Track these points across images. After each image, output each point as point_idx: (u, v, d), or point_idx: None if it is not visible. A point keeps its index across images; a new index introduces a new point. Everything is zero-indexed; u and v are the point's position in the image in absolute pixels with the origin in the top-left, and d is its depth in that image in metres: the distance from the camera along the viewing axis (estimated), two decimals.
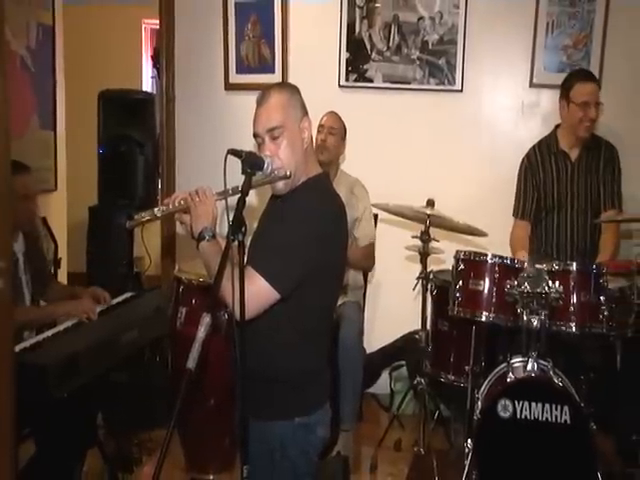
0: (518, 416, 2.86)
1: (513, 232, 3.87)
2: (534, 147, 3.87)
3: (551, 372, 2.98)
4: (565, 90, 3.71)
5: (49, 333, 2.91)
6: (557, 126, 3.84)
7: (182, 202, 2.19)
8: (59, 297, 3.31)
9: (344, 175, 4.02)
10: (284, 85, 2.66)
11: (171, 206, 2.22)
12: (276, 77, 4.52)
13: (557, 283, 2.98)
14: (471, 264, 3.25)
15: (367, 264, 4.02)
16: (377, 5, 4.46)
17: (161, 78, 4.89)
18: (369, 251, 3.94)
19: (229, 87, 4.72)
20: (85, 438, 3.16)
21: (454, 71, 4.40)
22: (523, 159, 3.87)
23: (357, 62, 4.53)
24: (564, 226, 3.78)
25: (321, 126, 3.91)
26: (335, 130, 3.92)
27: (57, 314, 3.16)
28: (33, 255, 3.32)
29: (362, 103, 4.51)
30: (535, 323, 2.98)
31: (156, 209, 2.25)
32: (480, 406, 3.05)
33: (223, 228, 2.01)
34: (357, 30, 4.50)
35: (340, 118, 3.99)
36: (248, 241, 2.15)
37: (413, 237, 3.62)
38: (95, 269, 4.75)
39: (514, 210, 3.88)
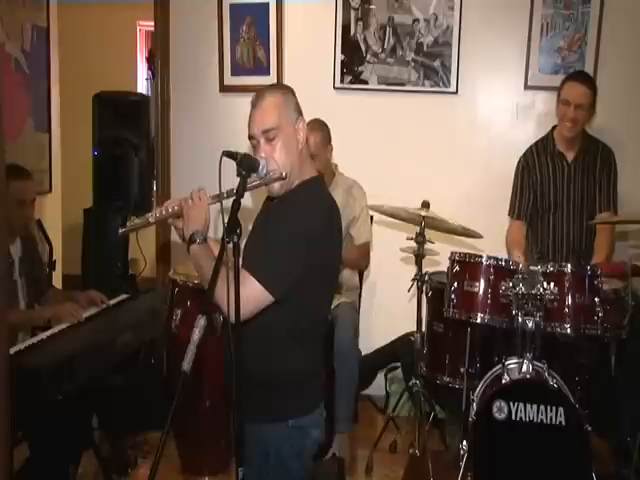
0: (513, 417, 2.87)
1: (509, 232, 3.88)
2: (531, 147, 3.88)
3: (546, 373, 2.98)
4: (558, 89, 3.75)
5: (44, 335, 2.90)
6: (554, 127, 3.85)
7: (175, 207, 2.19)
8: (56, 302, 3.29)
9: (342, 177, 4.00)
10: (279, 86, 2.66)
11: (164, 212, 2.22)
12: (271, 79, 4.50)
13: (552, 284, 2.99)
14: (466, 266, 3.25)
15: (362, 263, 4.03)
16: (372, 7, 4.46)
17: (156, 80, 4.89)
18: (365, 249, 3.95)
19: (224, 89, 4.71)
20: (80, 440, 3.16)
21: (449, 73, 4.40)
22: (520, 159, 3.87)
23: (352, 64, 4.52)
24: (560, 227, 3.79)
25: None
26: (317, 143, 3.69)
27: (43, 317, 3.15)
28: (30, 260, 3.31)
29: (357, 105, 4.51)
30: (530, 324, 2.98)
31: (149, 214, 2.25)
32: (475, 407, 3.05)
33: (218, 231, 2.01)
34: (352, 32, 4.50)
35: (321, 124, 3.75)
36: (243, 243, 2.15)
37: (408, 239, 3.62)
38: (90, 271, 4.75)
39: (510, 209, 3.89)
